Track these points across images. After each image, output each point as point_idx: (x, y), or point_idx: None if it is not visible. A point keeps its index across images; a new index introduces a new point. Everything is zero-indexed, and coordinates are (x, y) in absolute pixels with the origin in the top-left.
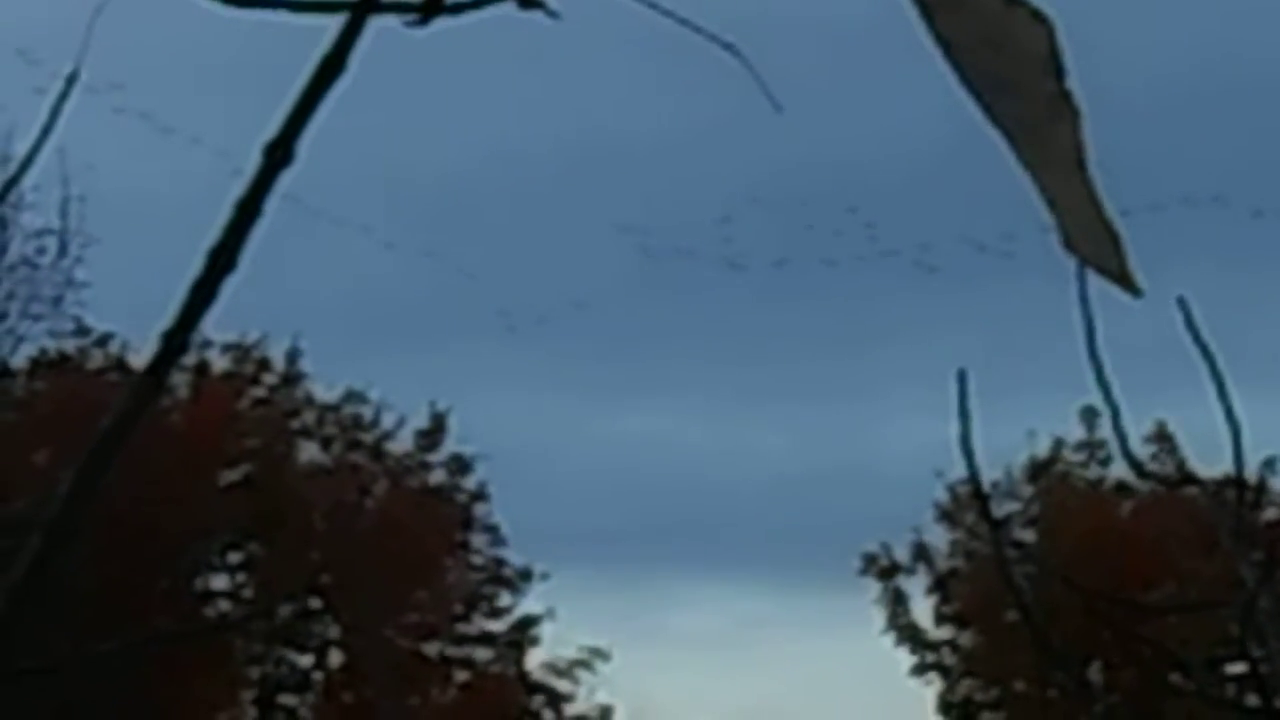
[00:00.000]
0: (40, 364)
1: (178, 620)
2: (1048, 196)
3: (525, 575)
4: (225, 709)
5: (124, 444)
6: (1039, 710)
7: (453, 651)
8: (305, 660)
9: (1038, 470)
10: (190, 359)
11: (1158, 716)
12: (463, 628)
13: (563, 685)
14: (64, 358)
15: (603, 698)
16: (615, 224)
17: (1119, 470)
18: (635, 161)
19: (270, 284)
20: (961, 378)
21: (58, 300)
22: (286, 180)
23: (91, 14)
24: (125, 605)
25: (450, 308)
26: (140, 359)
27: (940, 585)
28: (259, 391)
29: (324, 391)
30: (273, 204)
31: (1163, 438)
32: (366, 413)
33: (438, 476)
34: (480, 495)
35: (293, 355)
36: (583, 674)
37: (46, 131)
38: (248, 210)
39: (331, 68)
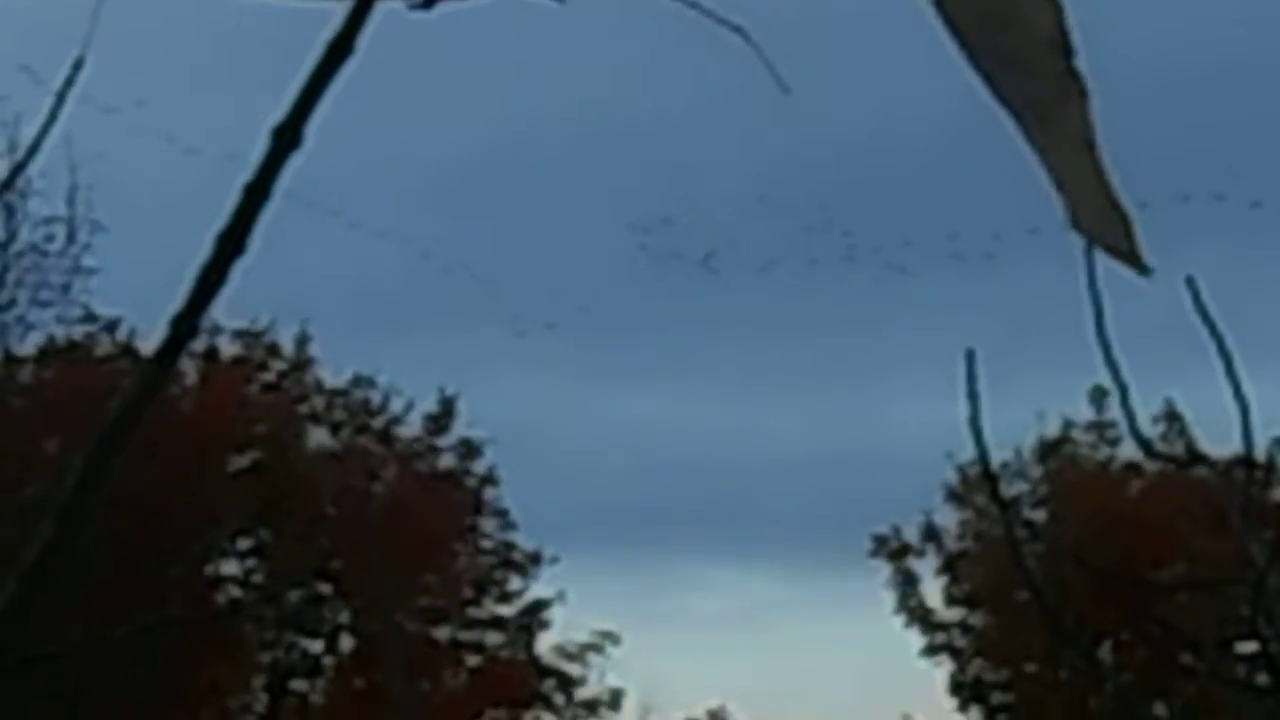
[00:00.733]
0: (49, 351)
1: (188, 606)
2: (1056, 176)
3: (535, 559)
4: (236, 694)
5: (133, 430)
6: (1050, 690)
7: (464, 636)
8: (316, 645)
9: (1047, 451)
10: (199, 345)
11: (1169, 695)
12: (473, 612)
13: (574, 669)
14: (73, 345)
15: (614, 681)
16: (626, 219)
17: (1128, 450)
18: (648, 149)
19: (279, 270)
20: (970, 359)
21: (66, 287)
22: (292, 170)
23: (95, 2)
24: (136, 591)
25: (458, 292)
26: (149, 345)
27: (950, 566)
28: (268, 377)
29: (333, 376)
30: (280, 190)
31: (1172, 417)
32: (375, 397)
33: (447, 461)
34: (490, 479)
35: (302, 340)
36: (593, 657)
37: (52, 118)
38: (256, 194)
39: (339, 51)
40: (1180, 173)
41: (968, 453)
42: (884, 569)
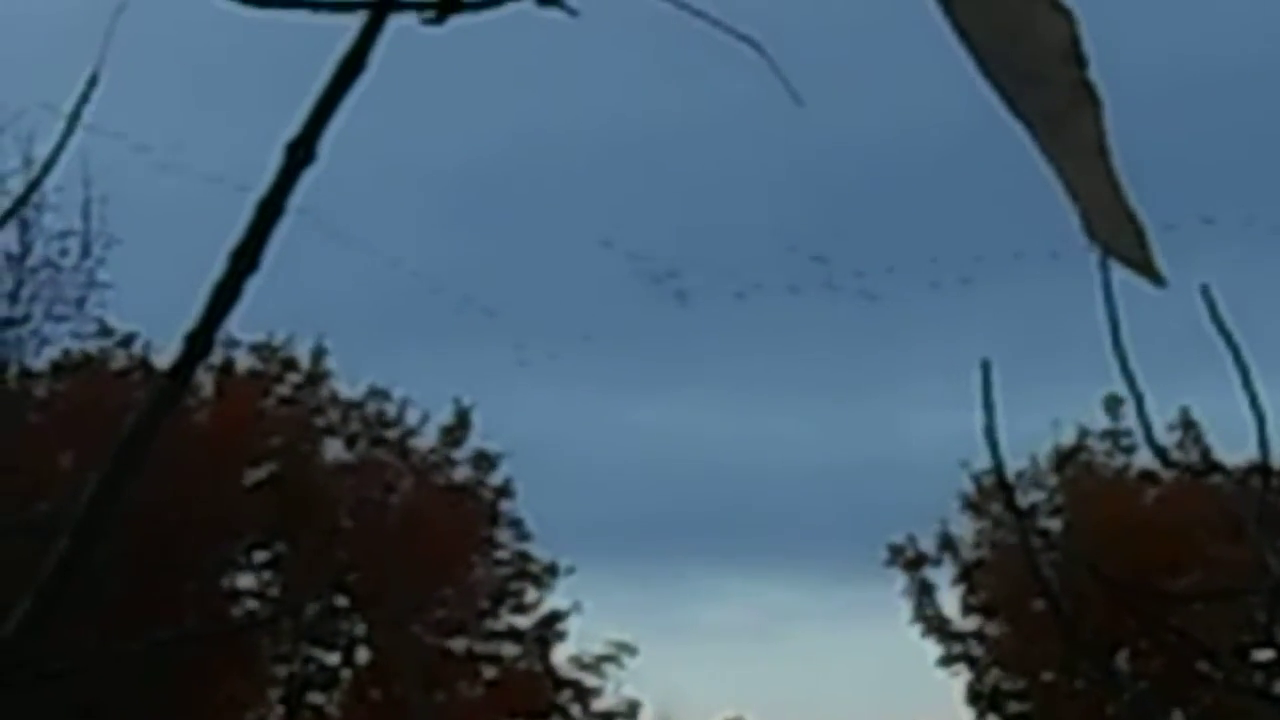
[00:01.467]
0: (64, 365)
1: (205, 619)
2: (1070, 187)
3: (551, 570)
4: (253, 708)
5: (149, 446)
6: (1067, 699)
7: (480, 647)
8: (333, 658)
9: (1062, 459)
10: (215, 358)
11: (1186, 704)
12: (489, 623)
13: (590, 680)
14: (87, 359)
15: (630, 692)
16: (636, 240)
17: (1144, 458)
18: (658, 163)
19: (294, 283)
20: (985, 368)
21: (81, 301)
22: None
23: (113, 14)
24: (152, 605)
25: (466, 317)
26: (164, 359)
27: (966, 575)
28: (284, 390)
29: (348, 389)
30: (292, 207)
31: (1187, 425)
32: (391, 410)
33: (463, 472)
34: (505, 491)
35: (318, 353)
36: (610, 669)
37: (67, 134)
38: (270, 210)
39: (352, 66)
40: (1199, 183)
41: (983, 461)
42: (900, 578)
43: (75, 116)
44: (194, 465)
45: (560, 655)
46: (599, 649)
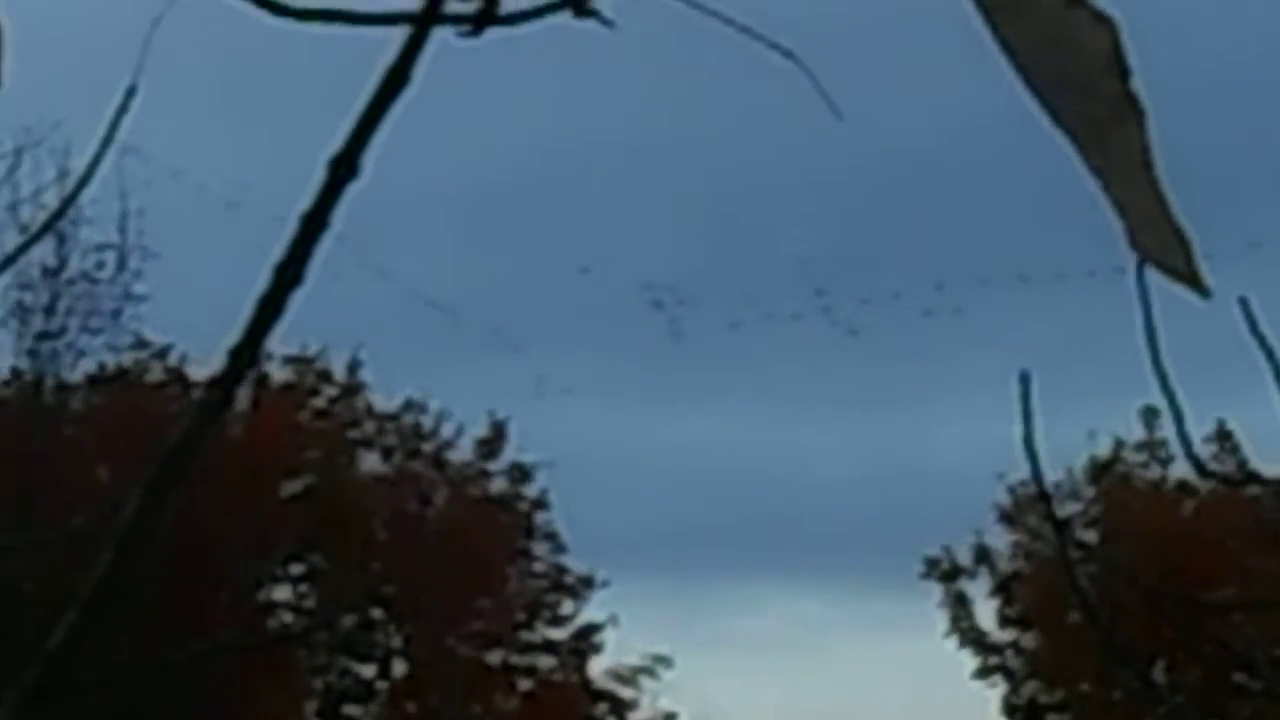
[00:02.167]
0: (100, 378)
1: (241, 632)
2: (1114, 198)
3: (587, 582)
4: (289, 719)
5: (191, 460)
6: (1104, 711)
7: (516, 659)
8: (369, 670)
9: (1099, 471)
10: (251, 371)
11: (1224, 715)
12: (525, 636)
13: (626, 692)
14: (123, 372)
15: (666, 704)
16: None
17: (1180, 470)
18: (696, 170)
19: (329, 296)
20: (1024, 379)
21: (117, 314)
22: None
23: (150, 26)
24: (188, 617)
25: (509, 316)
26: (199, 372)
27: (1003, 587)
28: (319, 403)
29: (384, 401)
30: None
31: (1223, 436)
32: (426, 422)
33: (498, 485)
34: (541, 503)
35: (353, 366)
36: (646, 681)
37: (105, 146)
38: (313, 225)
39: (395, 81)
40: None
41: (1019, 473)
42: (936, 590)
43: (112, 129)
44: (230, 478)
45: (596, 668)
46: (635, 661)
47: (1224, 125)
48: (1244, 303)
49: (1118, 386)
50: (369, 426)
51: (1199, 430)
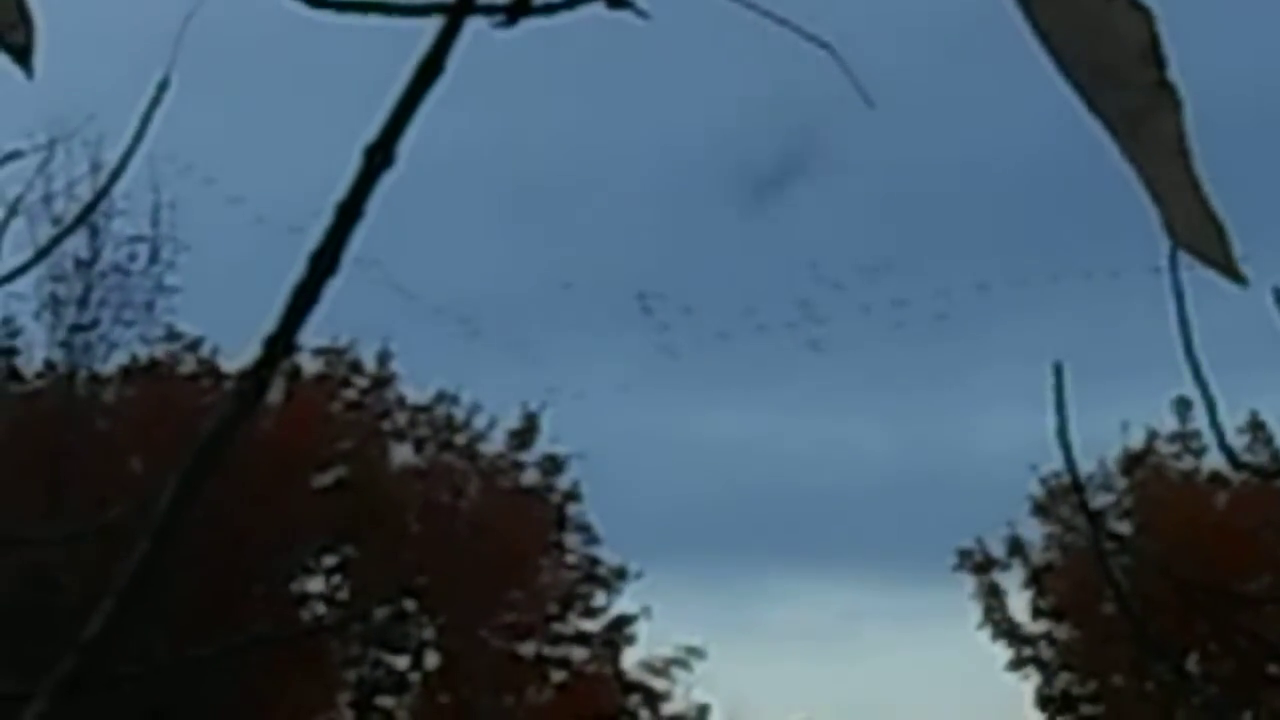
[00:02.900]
0: (132, 370)
1: (274, 623)
2: (1150, 186)
3: (620, 574)
4: (322, 711)
5: (227, 448)
6: (1137, 703)
7: (549, 651)
8: (402, 662)
9: (1132, 462)
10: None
11: (1257, 706)
12: (558, 627)
13: (659, 684)
14: (155, 364)
15: (699, 696)
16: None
17: (1213, 460)
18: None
19: (360, 287)
20: (1058, 371)
21: (149, 306)
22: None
23: (184, 19)
24: (222, 609)
25: (541, 307)
26: (231, 364)
27: (1036, 579)
28: (351, 394)
29: (415, 393)
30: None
31: (1257, 428)
32: (459, 414)
33: (531, 476)
34: (573, 495)
35: (383, 357)
36: (679, 672)
37: (138, 139)
38: (348, 213)
39: (430, 70)
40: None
41: (1052, 465)
42: (969, 582)
43: (145, 122)
44: (262, 470)
45: (629, 659)
46: (668, 653)
47: (1264, 117)
48: (1277, 293)
49: (1151, 378)
50: (401, 418)
51: (1232, 421)
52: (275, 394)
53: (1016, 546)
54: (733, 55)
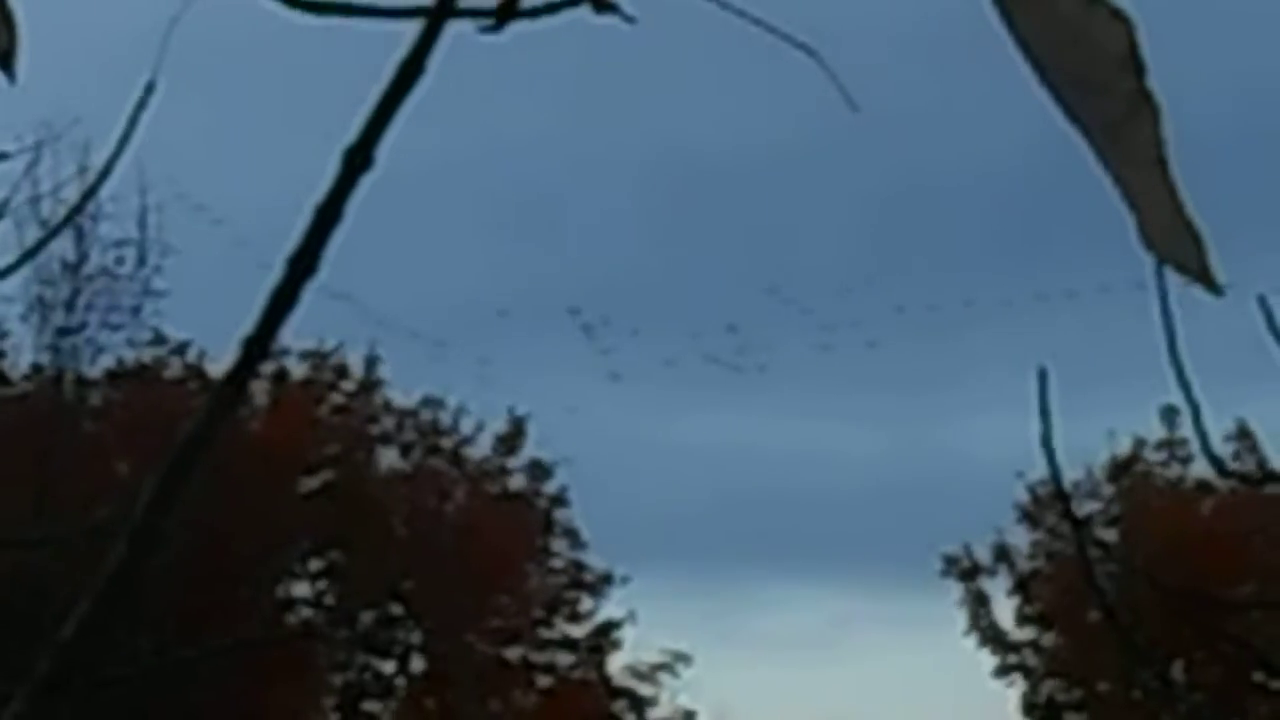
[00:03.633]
0: (119, 374)
1: (260, 628)
2: (1128, 195)
3: (606, 579)
4: (308, 716)
5: (206, 451)
6: (1123, 710)
7: (535, 656)
8: (388, 666)
9: (1118, 469)
10: (268, 366)
11: (1243, 714)
12: (544, 632)
13: (645, 689)
14: (142, 367)
15: (685, 701)
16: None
17: (1200, 468)
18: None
19: (347, 290)
20: (1042, 377)
21: (136, 310)
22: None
23: (170, 21)
24: (207, 613)
25: (527, 312)
26: (218, 368)
27: (1022, 586)
28: (338, 398)
29: (402, 397)
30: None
31: (1243, 435)
32: (445, 418)
33: (517, 481)
34: (560, 500)
35: (370, 361)
36: (665, 677)
37: (124, 142)
38: (327, 215)
39: (410, 73)
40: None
41: (1039, 472)
42: (955, 589)
43: (131, 125)
44: (249, 473)
45: (615, 664)
46: (654, 658)
47: (1243, 127)
48: (1262, 300)
49: (1138, 386)
50: (388, 422)
51: (1219, 429)
52: (262, 398)
53: (1003, 553)
54: (716, 62)
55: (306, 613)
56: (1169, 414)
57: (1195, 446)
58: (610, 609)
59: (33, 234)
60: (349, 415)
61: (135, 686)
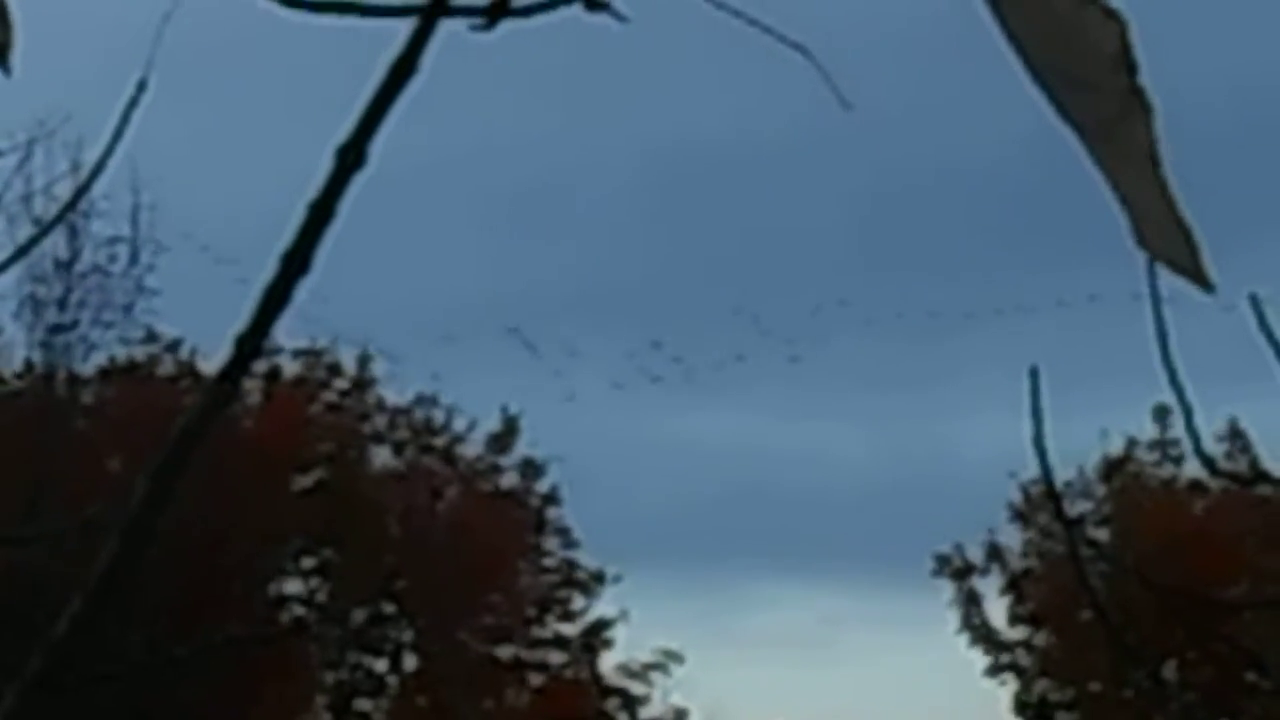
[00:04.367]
0: (111, 371)
1: (252, 625)
2: (1120, 193)
3: (598, 578)
4: (300, 713)
5: (198, 447)
6: (1115, 709)
7: (526, 655)
8: (380, 665)
9: (1111, 469)
10: (262, 365)
11: (1234, 714)
12: (536, 631)
13: (637, 688)
14: (135, 365)
15: (677, 700)
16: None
17: (1192, 468)
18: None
19: (340, 289)
20: (1034, 377)
21: (128, 308)
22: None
23: (162, 18)
24: (200, 610)
25: (520, 311)
26: (210, 365)
27: (1014, 585)
28: (331, 396)
29: (395, 396)
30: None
31: (1235, 435)
32: (438, 416)
33: (510, 480)
34: (552, 498)
35: (364, 360)
36: (657, 676)
37: (116, 139)
38: (320, 213)
39: (402, 71)
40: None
41: (1031, 472)
42: (947, 588)
43: (123, 122)
44: (242, 472)
45: (607, 663)
46: (646, 657)
47: (1236, 125)
48: (1254, 299)
49: (1130, 386)
50: (380, 421)
51: (1211, 429)
52: (255, 396)
53: (995, 553)
54: (709, 59)
55: (299, 610)
56: (1161, 414)
57: (1187, 446)
58: (602, 607)
59: (25, 231)
60: (342, 414)
61: (127, 683)
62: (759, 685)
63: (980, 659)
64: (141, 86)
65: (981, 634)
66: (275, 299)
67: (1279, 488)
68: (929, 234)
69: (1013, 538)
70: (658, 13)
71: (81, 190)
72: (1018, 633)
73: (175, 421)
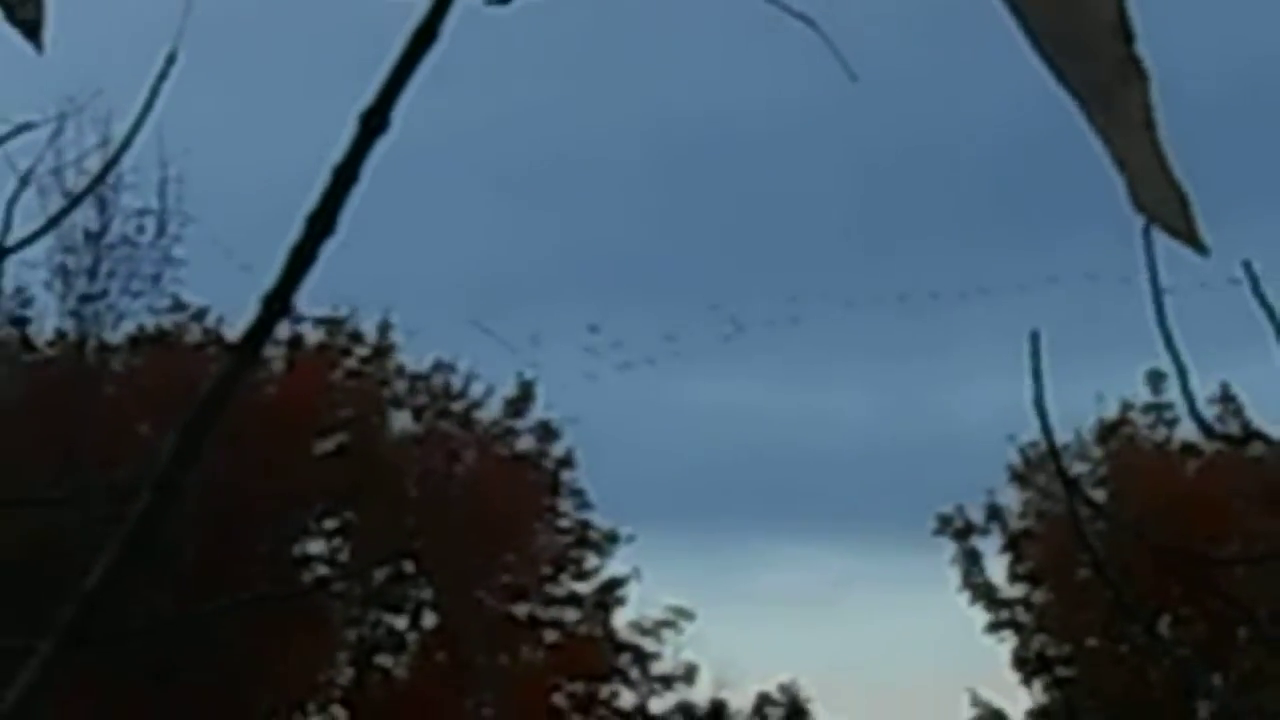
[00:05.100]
0: (140, 339)
1: (276, 584)
2: (1117, 158)
3: (611, 538)
4: (322, 669)
5: (227, 405)
6: (1110, 664)
7: (542, 612)
8: (400, 622)
9: (1106, 432)
10: (284, 332)
11: (1227, 668)
12: (551, 589)
13: (649, 644)
14: (163, 333)
15: (688, 656)
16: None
17: (1186, 431)
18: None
19: (361, 258)
20: (1034, 339)
21: (156, 278)
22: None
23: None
24: (226, 570)
25: (536, 277)
26: (236, 333)
27: (1013, 545)
28: (351, 363)
29: (414, 362)
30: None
31: (1227, 398)
32: (456, 382)
33: (525, 443)
34: (567, 461)
35: (384, 327)
36: (668, 633)
37: (145, 113)
38: (344, 177)
39: (424, 38)
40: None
41: (1029, 435)
42: (949, 547)
43: (152, 96)
44: (266, 437)
45: (620, 620)
46: (658, 614)
47: (1232, 92)
48: (1247, 265)
49: (1125, 351)
50: (400, 386)
51: (1204, 393)
52: (278, 363)
53: (995, 513)
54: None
55: (321, 569)
56: (1155, 378)
57: (1180, 409)
58: (615, 566)
59: (56, 203)
60: (362, 380)
61: (155, 640)
62: (767, 641)
63: (980, 616)
64: (170, 61)
65: (982, 592)
66: (301, 260)
67: (1271, 449)
68: (933, 208)
69: (1011, 498)
70: None
71: (114, 159)
72: (1016, 590)
73: (202, 387)
